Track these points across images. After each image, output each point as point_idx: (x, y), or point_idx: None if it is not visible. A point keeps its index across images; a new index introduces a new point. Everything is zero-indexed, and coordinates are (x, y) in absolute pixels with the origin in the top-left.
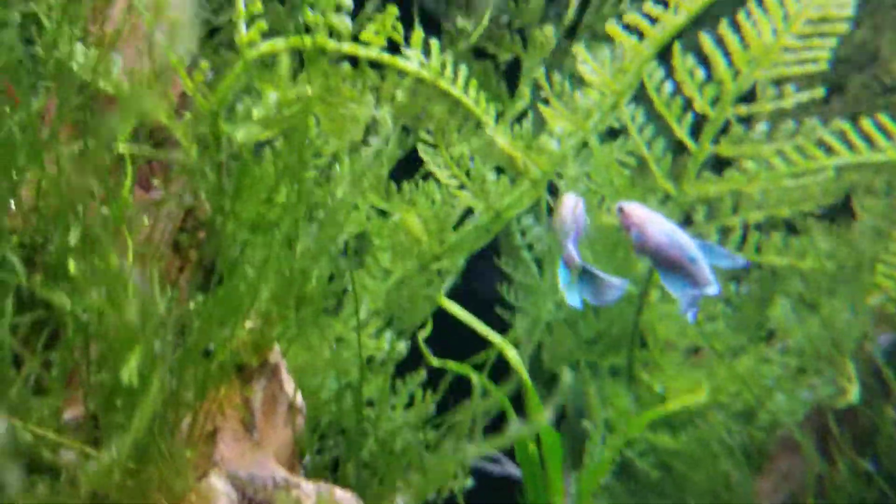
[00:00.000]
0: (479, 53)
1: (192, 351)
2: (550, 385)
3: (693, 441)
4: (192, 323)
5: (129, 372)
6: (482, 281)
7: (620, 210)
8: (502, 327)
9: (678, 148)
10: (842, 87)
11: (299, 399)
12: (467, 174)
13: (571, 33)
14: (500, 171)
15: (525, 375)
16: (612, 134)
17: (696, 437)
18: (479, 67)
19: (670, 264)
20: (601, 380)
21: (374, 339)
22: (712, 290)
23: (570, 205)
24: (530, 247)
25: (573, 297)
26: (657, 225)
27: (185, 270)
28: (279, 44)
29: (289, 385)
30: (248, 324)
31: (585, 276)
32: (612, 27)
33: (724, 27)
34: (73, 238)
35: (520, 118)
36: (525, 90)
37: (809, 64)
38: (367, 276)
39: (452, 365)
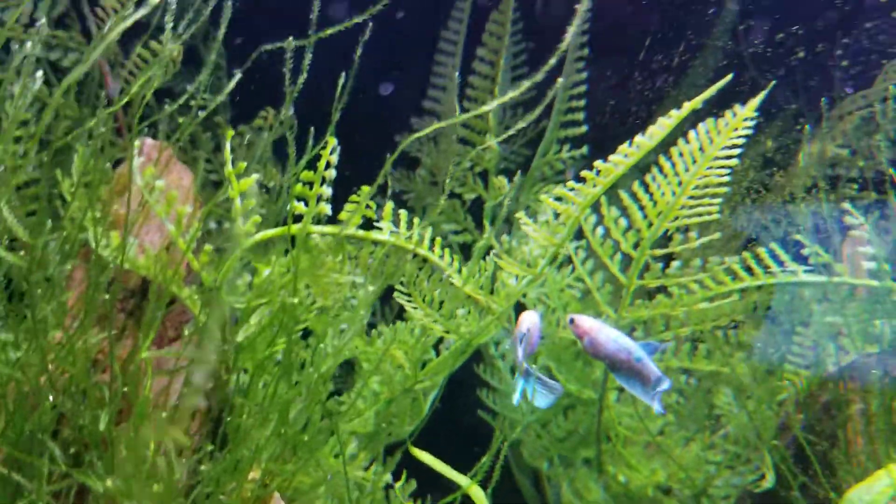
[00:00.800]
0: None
1: None
2: (532, 476)
3: None
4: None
5: None
6: (467, 392)
7: (572, 321)
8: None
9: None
10: None
11: None
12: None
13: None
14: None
15: None
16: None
17: None
18: (449, 204)
19: (620, 365)
20: (574, 471)
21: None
22: (665, 384)
23: (527, 321)
24: (503, 357)
25: (517, 398)
26: (605, 332)
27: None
28: (271, 231)
29: None
30: (252, 475)
31: (533, 380)
32: (546, 199)
33: (636, 187)
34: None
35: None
36: (487, 227)
37: (705, 216)
38: (359, 399)
39: None
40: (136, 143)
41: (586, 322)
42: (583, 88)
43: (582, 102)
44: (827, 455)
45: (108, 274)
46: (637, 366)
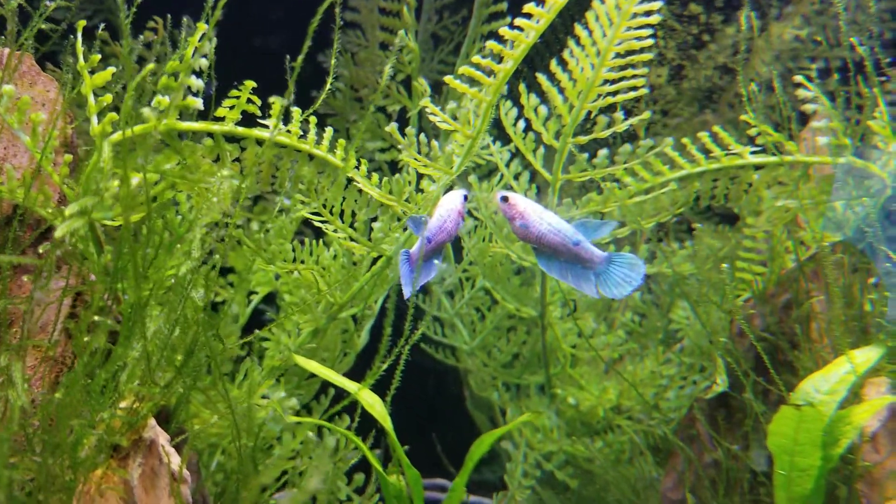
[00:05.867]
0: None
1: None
2: (484, 408)
3: (606, 448)
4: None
5: None
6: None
7: (504, 199)
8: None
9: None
10: None
11: (184, 471)
12: (352, 226)
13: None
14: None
15: (388, 424)
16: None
17: (608, 442)
18: (373, 119)
19: (554, 250)
20: (522, 399)
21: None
22: (600, 260)
23: (446, 203)
24: (440, 282)
25: (408, 290)
26: (539, 213)
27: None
28: (131, 130)
29: (173, 457)
30: (123, 404)
31: (414, 265)
32: (451, 80)
33: (553, 65)
34: None
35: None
36: (411, 135)
37: (631, 91)
38: (282, 332)
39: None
40: None
41: (519, 201)
42: None
43: None
44: (789, 357)
45: None
46: (574, 249)
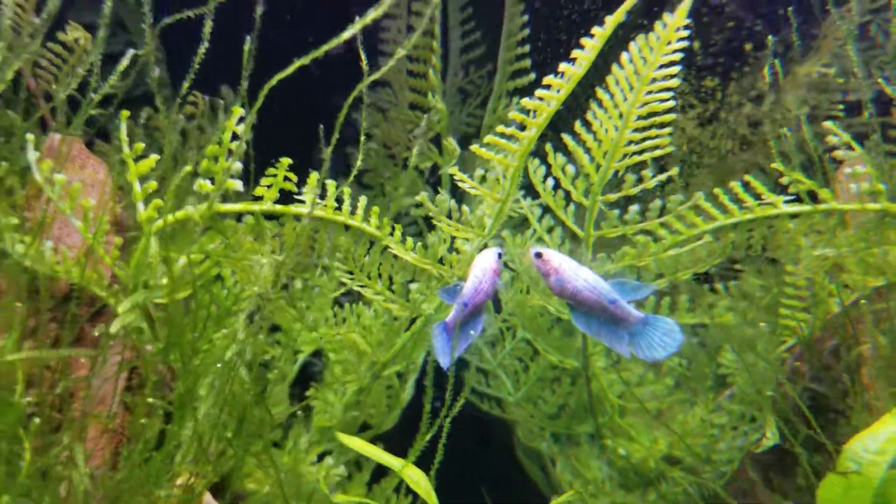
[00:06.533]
0: (405, 166)
1: None
2: (534, 457)
3: (660, 500)
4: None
5: None
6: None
7: (538, 255)
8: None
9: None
10: None
11: None
12: (390, 288)
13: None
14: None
15: (433, 501)
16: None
17: (662, 494)
18: (407, 177)
19: (589, 307)
20: (572, 449)
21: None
22: (636, 321)
23: (481, 263)
24: (482, 331)
25: (446, 361)
26: (574, 269)
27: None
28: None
29: None
30: (179, 480)
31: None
32: (477, 148)
33: (578, 126)
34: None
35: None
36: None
37: (656, 150)
38: (328, 391)
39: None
40: (40, 139)
41: (553, 257)
42: (525, 33)
43: (527, 48)
44: (840, 404)
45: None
46: (610, 308)
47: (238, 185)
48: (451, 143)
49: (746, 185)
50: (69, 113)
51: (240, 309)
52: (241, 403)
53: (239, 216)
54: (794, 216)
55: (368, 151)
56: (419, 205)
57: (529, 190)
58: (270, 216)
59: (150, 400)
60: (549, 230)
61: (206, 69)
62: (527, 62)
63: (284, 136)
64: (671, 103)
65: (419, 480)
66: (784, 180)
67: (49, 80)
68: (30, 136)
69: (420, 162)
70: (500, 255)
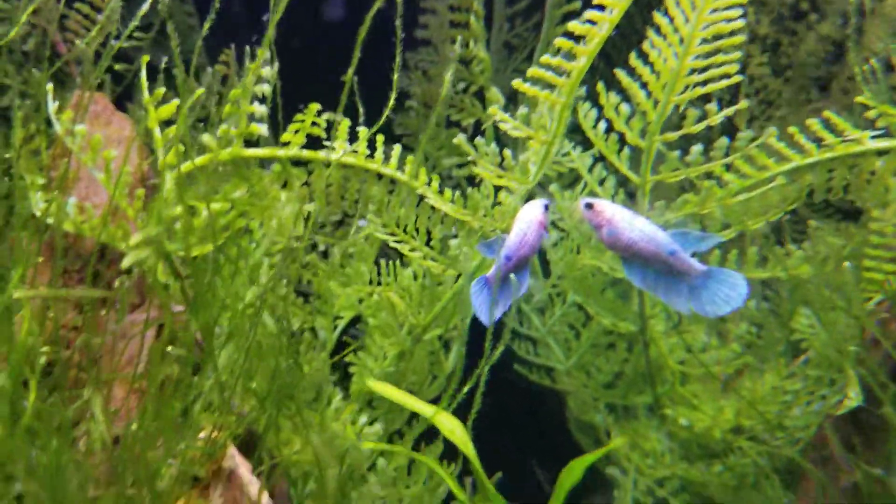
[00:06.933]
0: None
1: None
2: (587, 430)
3: (728, 471)
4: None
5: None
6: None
7: (588, 206)
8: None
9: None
10: None
11: (268, 499)
12: (429, 245)
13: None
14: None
15: (470, 450)
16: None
17: (729, 466)
18: (448, 136)
19: (645, 260)
20: (629, 422)
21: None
22: (697, 273)
23: (526, 216)
24: (528, 298)
25: (487, 318)
26: (628, 220)
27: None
28: (199, 160)
29: (252, 486)
30: (202, 434)
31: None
32: (520, 84)
33: (633, 59)
34: None
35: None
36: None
37: (722, 79)
38: (368, 357)
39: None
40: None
41: (606, 207)
42: None
43: None
44: None
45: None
46: (669, 259)
47: (263, 129)
48: (495, 93)
49: (827, 123)
50: (93, 69)
51: (262, 262)
52: (268, 356)
53: (264, 165)
54: (881, 153)
55: (408, 112)
56: (461, 165)
57: (583, 145)
58: (298, 163)
59: (169, 349)
60: (602, 181)
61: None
62: (577, 3)
63: (320, 97)
64: (740, 23)
65: (454, 429)
66: (870, 114)
67: (76, 41)
68: (49, 87)
69: (462, 118)
70: (546, 207)
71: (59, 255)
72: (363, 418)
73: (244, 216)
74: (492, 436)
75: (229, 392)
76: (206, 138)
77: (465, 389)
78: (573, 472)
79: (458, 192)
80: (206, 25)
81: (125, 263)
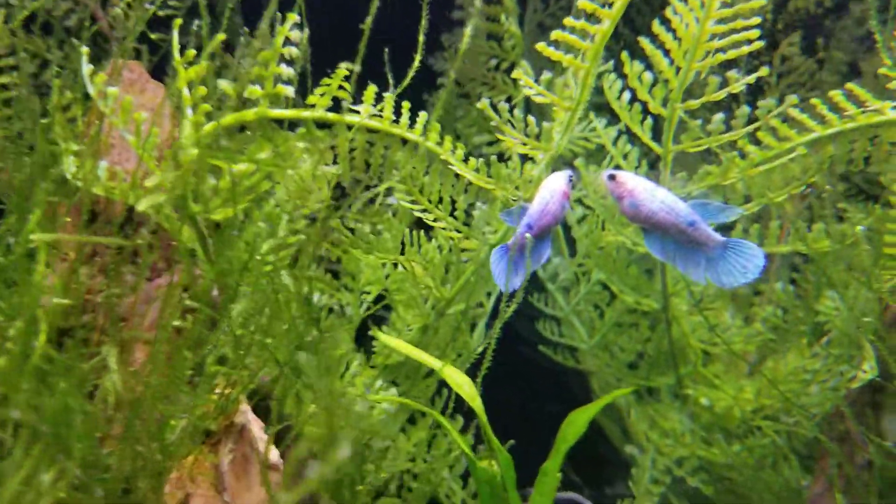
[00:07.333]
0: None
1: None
2: (610, 411)
3: (746, 451)
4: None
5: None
6: (523, 321)
7: (611, 178)
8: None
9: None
10: None
11: (274, 456)
12: (453, 215)
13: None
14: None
15: (478, 405)
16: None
17: (749, 446)
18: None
19: (665, 230)
20: (651, 402)
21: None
22: (715, 244)
23: (550, 185)
24: (553, 278)
25: (505, 283)
26: (650, 191)
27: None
28: (225, 119)
29: (262, 444)
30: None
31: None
32: (543, 46)
33: (656, 25)
34: None
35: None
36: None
37: (743, 45)
38: (392, 331)
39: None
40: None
41: (628, 178)
42: None
43: None
44: None
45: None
46: (689, 231)
47: (289, 90)
48: (525, 66)
49: (849, 94)
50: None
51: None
52: (283, 313)
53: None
54: None
55: (439, 89)
56: (491, 143)
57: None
58: (323, 126)
59: (186, 301)
60: (626, 155)
61: None
62: None
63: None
64: None
65: (462, 384)
66: (893, 85)
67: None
68: (84, 49)
69: (494, 95)
70: (570, 178)
71: (85, 215)
72: (378, 381)
73: (269, 179)
74: (513, 416)
75: (244, 347)
76: (223, 84)
77: (480, 349)
78: (575, 424)
79: (481, 160)
80: None
81: (140, 207)
